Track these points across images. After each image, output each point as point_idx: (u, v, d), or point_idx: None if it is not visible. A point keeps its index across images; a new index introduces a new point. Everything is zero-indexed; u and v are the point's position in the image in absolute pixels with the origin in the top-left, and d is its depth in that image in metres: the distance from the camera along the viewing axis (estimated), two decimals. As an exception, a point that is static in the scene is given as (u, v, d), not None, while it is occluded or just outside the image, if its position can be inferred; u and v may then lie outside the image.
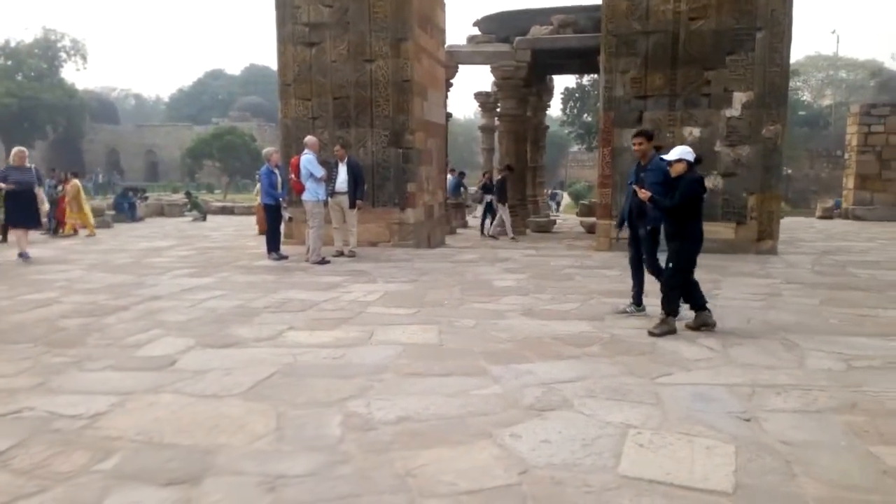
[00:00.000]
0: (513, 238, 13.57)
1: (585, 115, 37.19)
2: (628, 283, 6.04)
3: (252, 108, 55.22)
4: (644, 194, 5.23)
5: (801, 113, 35.85)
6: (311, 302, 6.39)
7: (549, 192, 29.67)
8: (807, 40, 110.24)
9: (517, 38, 16.02)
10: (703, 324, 5.20)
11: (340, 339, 4.95)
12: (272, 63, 11.82)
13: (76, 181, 14.00)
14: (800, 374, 4.10)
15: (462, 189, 17.81)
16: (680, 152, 5.12)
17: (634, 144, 5.77)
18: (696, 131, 9.98)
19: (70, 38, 51.85)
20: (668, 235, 5.24)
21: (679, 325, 5.22)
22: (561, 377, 4.02)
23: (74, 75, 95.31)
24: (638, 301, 5.89)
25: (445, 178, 14.16)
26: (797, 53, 52.01)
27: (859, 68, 50.48)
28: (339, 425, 3.26)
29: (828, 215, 20.10)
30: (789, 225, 15.53)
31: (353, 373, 4.11)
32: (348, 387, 3.83)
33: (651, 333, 5.05)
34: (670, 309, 5.14)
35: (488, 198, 14.30)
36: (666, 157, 5.21)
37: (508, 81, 16.30)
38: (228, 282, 7.66)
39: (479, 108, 22.84)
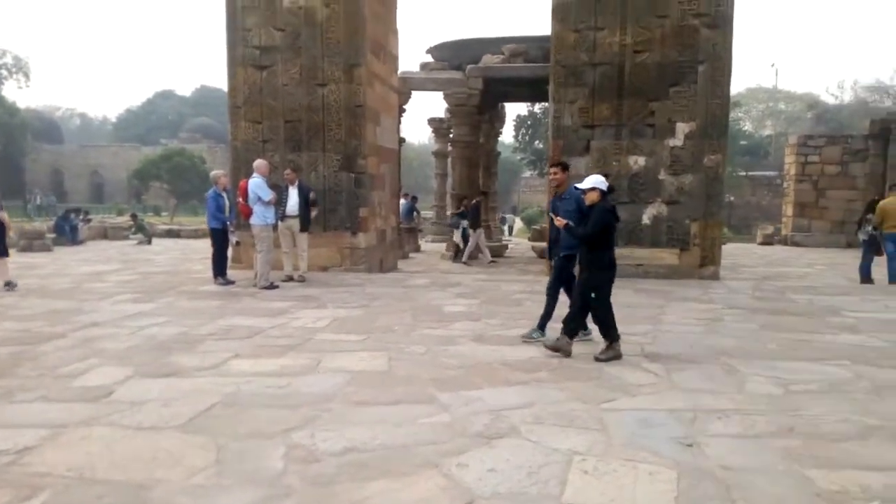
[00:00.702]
0: (465, 263, 13.68)
1: (537, 141, 37.94)
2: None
3: (203, 129, 54.34)
4: (560, 222, 5.36)
5: (742, 142, 37.21)
6: (258, 328, 6.26)
7: (500, 216, 30.03)
8: (748, 73, 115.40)
9: (469, 66, 16.28)
10: (558, 349, 5.26)
11: (287, 368, 4.85)
12: (224, 84, 11.66)
13: None
14: (740, 398, 4.20)
15: (415, 213, 17.86)
16: (593, 181, 5.25)
17: (550, 174, 5.93)
18: (642, 160, 10.25)
19: (12, 56, 50.68)
20: (582, 264, 5.35)
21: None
22: (509, 404, 4.02)
23: (16, 93, 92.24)
24: (583, 326, 5.95)
25: (398, 203, 14.19)
26: (739, 86, 54.21)
27: (797, 101, 52.86)
28: (282, 457, 3.18)
29: (768, 241, 20.80)
30: (731, 251, 16.01)
31: (299, 402, 4.03)
32: (293, 417, 3.75)
33: (597, 359, 5.11)
34: (611, 335, 5.22)
35: (464, 223, 14.38)
36: (580, 185, 5.34)
37: (461, 108, 16.52)
38: (172, 308, 7.46)
39: (433, 134, 23.06)
